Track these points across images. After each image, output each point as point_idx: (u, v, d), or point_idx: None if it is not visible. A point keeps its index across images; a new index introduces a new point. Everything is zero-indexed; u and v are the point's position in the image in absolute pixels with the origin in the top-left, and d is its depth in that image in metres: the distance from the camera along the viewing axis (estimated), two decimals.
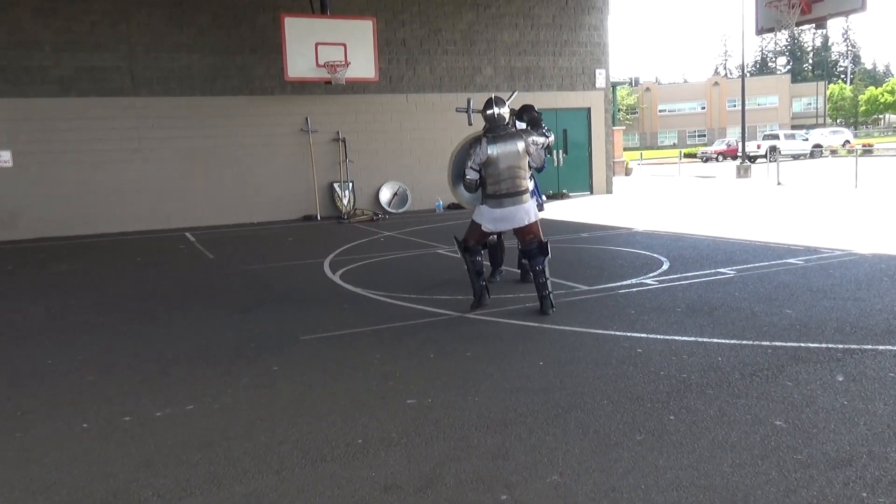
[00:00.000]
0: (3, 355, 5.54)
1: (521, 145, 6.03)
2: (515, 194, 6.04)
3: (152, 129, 14.92)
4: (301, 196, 16.21)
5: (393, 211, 16.79)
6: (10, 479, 3.31)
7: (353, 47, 15.03)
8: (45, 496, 3.12)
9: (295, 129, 16.11)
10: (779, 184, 20.80)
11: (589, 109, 19.25)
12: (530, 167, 6.78)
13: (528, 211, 6.12)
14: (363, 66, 15.21)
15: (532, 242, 6.09)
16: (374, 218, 15.57)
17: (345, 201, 16.33)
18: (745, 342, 4.97)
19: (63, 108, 14.18)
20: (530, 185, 6.90)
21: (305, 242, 12.00)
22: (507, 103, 6.36)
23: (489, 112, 6.13)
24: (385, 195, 16.86)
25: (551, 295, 6.08)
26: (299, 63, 14.64)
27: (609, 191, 19.76)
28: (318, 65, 14.74)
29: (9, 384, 4.79)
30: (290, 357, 5.14)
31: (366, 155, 16.75)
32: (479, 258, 6.30)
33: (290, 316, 6.46)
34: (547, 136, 6.47)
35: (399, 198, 17.06)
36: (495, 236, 7.41)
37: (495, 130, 6.09)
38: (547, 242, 6.14)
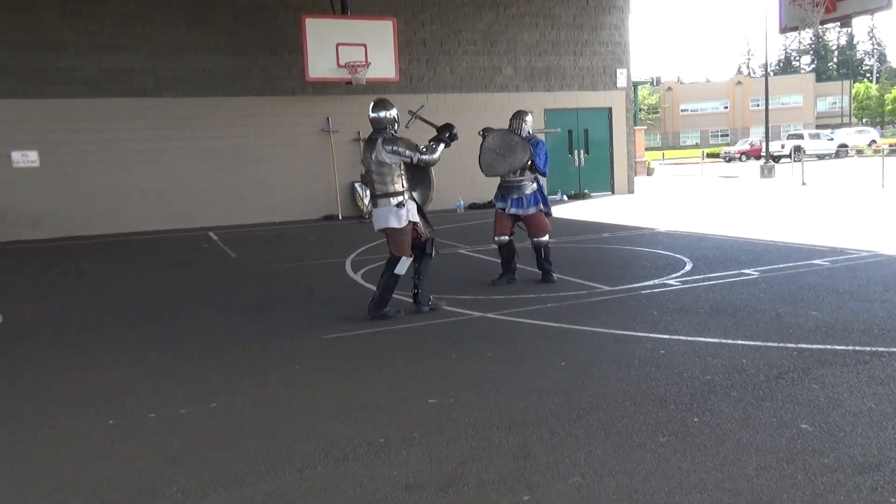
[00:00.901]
0: (32, 353, 5.62)
1: (375, 153, 6.06)
2: (376, 196, 6.15)
3: (175, 130, 15.05)
4: (322, 196, 16.29)
5: None
6: (39, 474, 3.36)
7: (374, 48, 15.07)
8: (73, 491, 3.16)
9: (316, 130, 16.18)
10: (803, 184, 20.55)
11: (610, 109, 19.16)
12: (532, 169, 7.19)
13: (383, 216, 6.10)
14: (383, 66, 15.25)
15: (392, 252, 6.19)
16: None
17: (366, 201, 16.36)
18: (769, 344, 4.92)
19: (88, 108, 14.35)
20: (533, 187, 7.28)
21: (327, 242, 12.05)
22: (414, 115, 6.60)
23: (371, 115, 6.20)
24: None
25: (418, 296, 6.32)
26: (320, 63, 14.71)
27: (631, 191, 19.66)
28: (338, 65, 14.80)
29: (37, 381, 4.86)
30: (311, 356, 5.17)
31: None
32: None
33: (312, 315, 6.49)
34: (407, 154, 6.09)
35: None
36: (504, 237, 7.38)
37: (374, 134, 6.18)
38: (398, 258, 6.13)
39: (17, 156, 13.98)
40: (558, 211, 15.42)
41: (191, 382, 4.67)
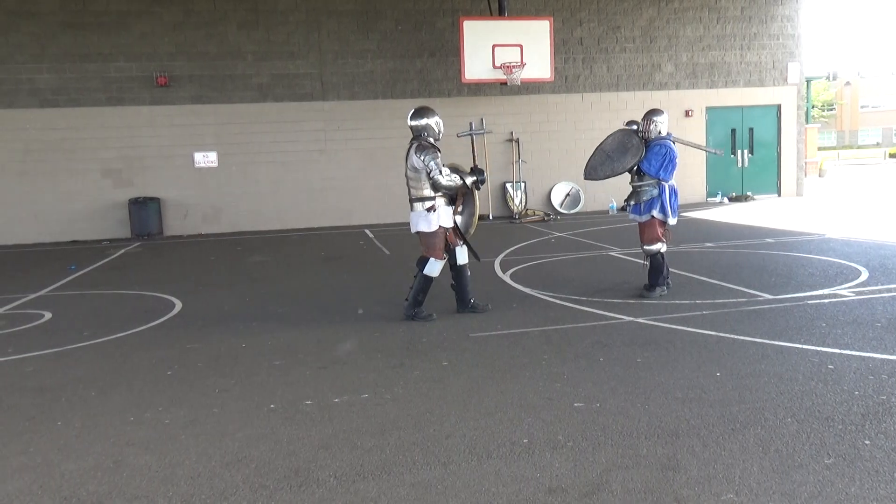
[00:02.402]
0: (205, 337, 6.09)
1: (409, 158, 6.24)
2: (411, 200, 6.33)
3: (337, 132, 15.79)
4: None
5: (565, 212, 16.63)
6: (208, 450, 3.64)
7: (529, 47, 15.04)
8: (237, 468, 3.40)
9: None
10: None
11: (779, 106, 17.99)
12: (641, 173, 6.86)
13: (415, 220, 6.30)
14: (539, 66, 15.18)
15: (423, 253, 6.37)
16: (546, 218, 15.51)
17: (516, 201, 16.39)
18: None
19: (260, 112, 15.38)
20: (652, 193, 6.86)
21: (477, 241, 12.15)
22: (472, 133, 6.91)
23: (409, 123, 6.35)
24: (557, 196, 16.74)
25: (459, 300, 6.49)
26: (476, 65, 14.88)
27: (799, 193, 18.37)
28: (494, 66, 14.90)
29: (208, 364, 5.27)
30: (459, 353, 5.25)
31: (538, 155, 16.72)
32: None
33: (461, 313, 6.58)
34: (431, 166, 6.10)
35: (571, 198, 16.87)
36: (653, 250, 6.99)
37: (413, 139, 6.33)
38: (427, 259, 6.28)
39: (199, 157, 15.23)
40: (718, 214, 14.72)
41: (344, 373, 4.87)
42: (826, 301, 6.37)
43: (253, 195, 15.50)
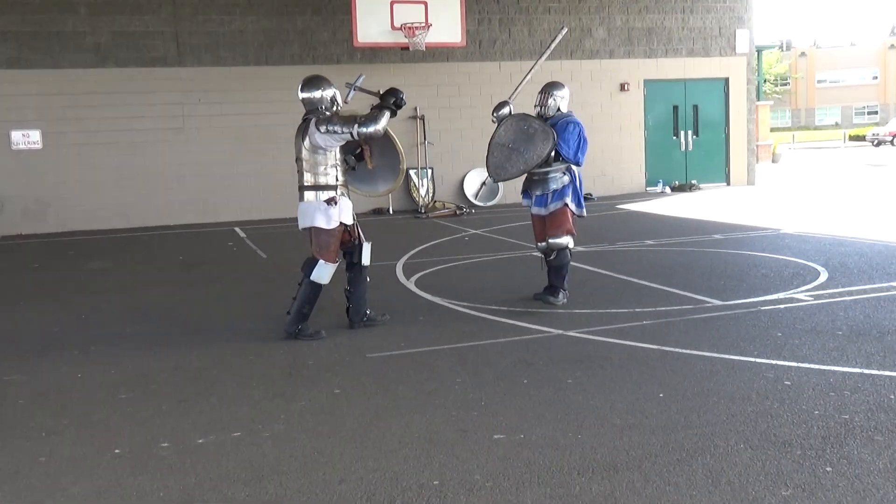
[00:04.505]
0: (28, 366, 5.83)
1: (308, 137, 6.25)
2: (304, 188, 6.38)
3: (199, 105, 15.43)
4: None
5: (480, 204, 16.83)
6: None
7: (436, 6, 15.12)
8: None
9: (365, 105, 16.24)
10: None
11: (727, 80, 18.78)
12: (559, 159, 6.96)
13: (309, 213, 6.30)
14: (447, 28, 15.29)
15: (313, 254, 6.38)
16: (458, 212, 15.64)
17: (422, 192, 16.47)
18: None
19: (98, 80, 14.83)
20: (563, 180, 7.05)
21: (375, 241, 12.12)
22: (353, 87, 6.63)
23: (301, 95, 6.42)
24: (471, 185, 16.90)
25: (350, 311, 6.54)
26: (371, 26, 14.84)
27: (751, 182, 19.23)
28: (393, 27, 14.91)
29: (33, 400, 5.04)
30: (354, 378, 5.22)
31: (449, 136, 16.84)
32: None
33: (355, 329, 6.55)
34: (345, 130, 6.18)
35: (488, 188, 17.03)
36: (544, 244, 7.16)
37: (306, 115, 6.38)
38: (316, 261, 6.29)
39: (17, 136, 14.56)
40: (659, 206, 15.23)
41: (210, 407, 4.77)
42: (782, 307, 6.68)
43: (89, 185, 14.93)
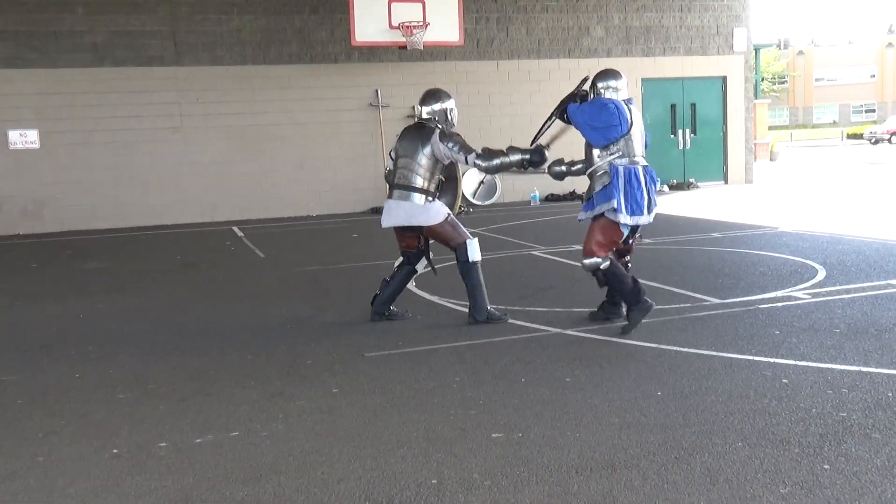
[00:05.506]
0: (26, 366, 5.83)
1: (430, 146, 6.38)
2: (410, 188, 6.44)
3: (196, 104, 15.43)
4: (369, 184, 16.45)
5: (479, 203, 16.84)
6: None
7: (433, 5, 15.12)
8: None
9: (363, 104, 16.36)
10: None
11: (724, 78, 18.81)
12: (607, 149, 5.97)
13: (405, 213, 6.43)
14: (445, 26, 15.29)
15: (450, 248, 6.52)
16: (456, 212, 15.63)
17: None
18: None
19: (95, 79, 14.83)
20: (603, 180, 5.86)
21: (373, 240, 12.16)
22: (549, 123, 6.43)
23: (422, 108, 6.61)
24: (469, 184, 16.90)
25: (377, 299, 6.70)
26: (369, 24, 14.84)
27: (748, 180, 19.26)
28: (391, 26, 14.91)
29: (31, 400, 5.04)
30: (352, 377, 5.23)
31: None
32: None
33: (354, 328, 6.56)
34: (461, 156, 6.33)
35: (486, 187, 17.09)
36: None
37: (422, 122, 6.58)
38: (463, 246, 6.38)
39: (14, 136, 14.56)
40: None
41: (208, 407, 4.77)
42: (780, 305, 6.69)
43: (86, 185, 14.93)
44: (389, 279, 6.76)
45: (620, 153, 5.90)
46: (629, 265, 6.39)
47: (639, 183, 5.87)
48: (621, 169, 5.84)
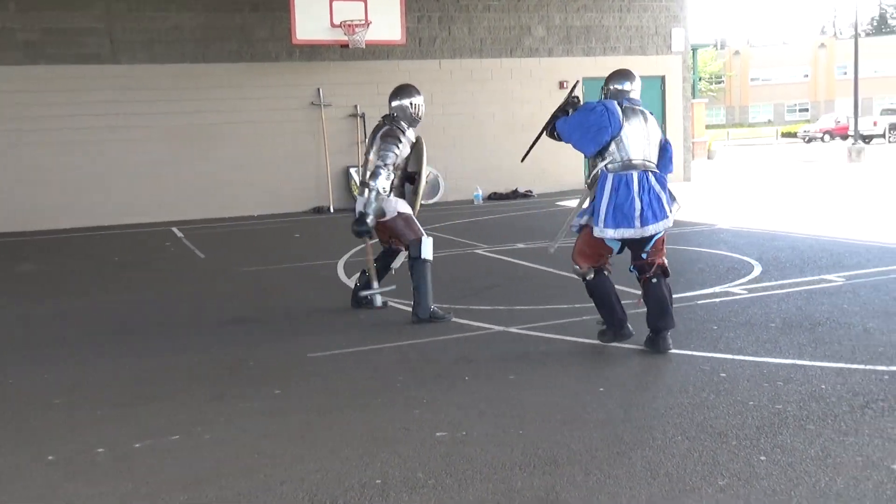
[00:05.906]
0: None
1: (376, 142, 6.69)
2: (363, 183, 6.80)
3: (134, 104, 15.13)
4: (310, 183, 16.33)
5: (422, 202, 16.82)
6: None
7: (375, 4, 15.06)
8: None
9: (304, 103, 16.24)
10: None
11: (663, 78, 19.09)
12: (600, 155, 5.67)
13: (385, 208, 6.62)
14: (387, 25, 15.25)
15: (403, 245, 6.77)
16: None
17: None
18: (855, 366, 4.89)
19: (28, 78, 14.45)
20: (592, 192, 5.57)
21: (316, 239, 12.08)
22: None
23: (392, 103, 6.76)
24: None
25: (358, 291, 6.96)
26: (310, 23, 14.72)
27: (686, 177, 19.60)
28: (332, 25, 14.82)
29: None
30: (295, 379, 5.19)
31: None
32: None
33: (297, 329, 6.52)
34: (377, 162, 6.55)
35: (430, 186, 17.03)
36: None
37: (387, 117, 6.77)
38: (417, 243, 6.52)
39: None
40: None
41: (147, 411, 4.69)
42: (717, 300, 6.82)
43: (18, 185, 14.53)
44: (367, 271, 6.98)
45: (612, 158, 5.47)
46: (653, 281, 5.65)
47: (628, 191, 5.35)
48: (610, 176, 5.42)
